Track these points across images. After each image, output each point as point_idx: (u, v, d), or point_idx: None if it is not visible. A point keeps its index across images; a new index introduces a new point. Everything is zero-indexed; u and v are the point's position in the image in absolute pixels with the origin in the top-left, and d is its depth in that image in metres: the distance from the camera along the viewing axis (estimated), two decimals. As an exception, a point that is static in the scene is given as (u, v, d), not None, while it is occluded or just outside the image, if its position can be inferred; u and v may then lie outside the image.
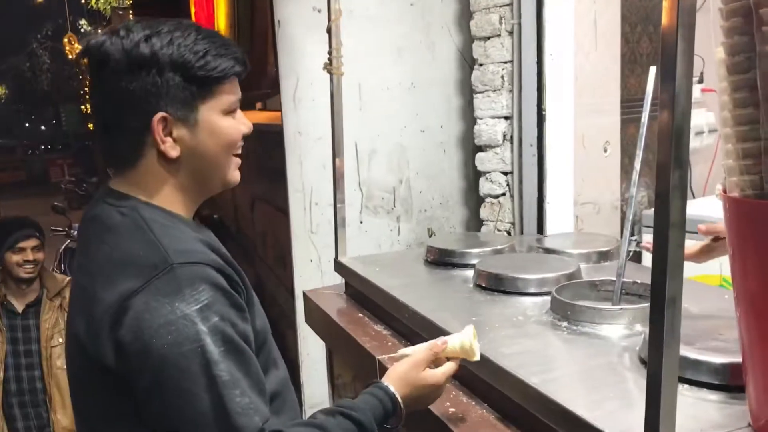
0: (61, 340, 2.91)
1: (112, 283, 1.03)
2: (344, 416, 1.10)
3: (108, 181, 1.18)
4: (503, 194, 2.75)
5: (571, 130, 2.61)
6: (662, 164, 0.86)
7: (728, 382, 1.15)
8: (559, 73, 2.55)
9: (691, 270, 1.73)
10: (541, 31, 2.50)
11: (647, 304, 1.49)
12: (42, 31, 25.55)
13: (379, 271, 2.05)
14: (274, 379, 1.19)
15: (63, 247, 5.53)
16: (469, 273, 1.94)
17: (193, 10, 3.90)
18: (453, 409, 1.40)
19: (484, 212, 2.82)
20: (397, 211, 2.95)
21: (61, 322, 2.93)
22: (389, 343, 1.76)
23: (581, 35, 2.60)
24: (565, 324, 1.53)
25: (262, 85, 3.43)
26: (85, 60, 1.11)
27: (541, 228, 2.61)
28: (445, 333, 1.40)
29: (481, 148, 2.79)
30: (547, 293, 1.67)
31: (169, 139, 1.10)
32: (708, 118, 3.32)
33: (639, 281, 1.65)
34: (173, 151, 1.10)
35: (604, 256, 2.08)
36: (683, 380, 1.17)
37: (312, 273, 2.85)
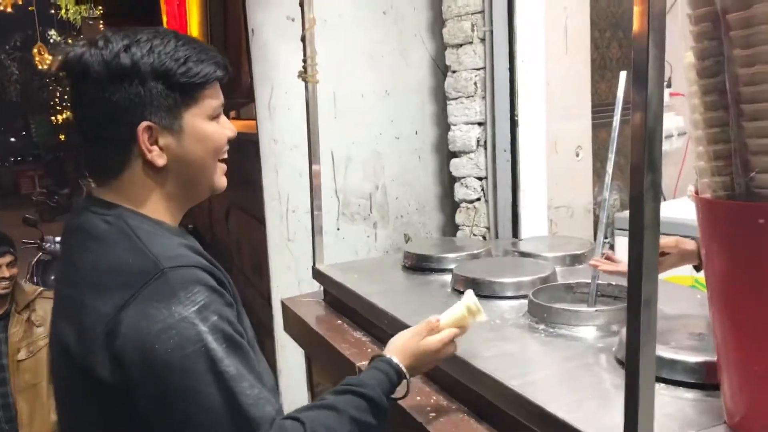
0: (27, 354, 2.86)
1: (103, 293, 1.02)
2: (354, 394, 1.13)
3: (85, 190, 1.17)
4: (478, 199, 2.76)
5: (544, 135, 2.64)
6: (636, 167, 0.88)
7: (703, 380, 1.18)
8: (531, 79, 2.58)
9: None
10: (512, 37, 2.53)
11: (622, 306, 1.53)
12: (11, 42, 25.16)
13: (358, 277, 2.06)
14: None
15: (35, 259, 5.44)
16: (447, 278, 1.95)
17: (165, 20, 3.87)
18: (433, 414, 1.41)
19: (460, 217, 2.83)
20: (373, 217, 2.96)
21: (28, 336, 2.88)
22: (368, 350, 1.76)
23: (552, 41, 2.63)
24: (542, 326, 1.55)
25: (236, 93, 3.42)
26: (64, 72, 1.10)
27: (516, 232, 2.63)
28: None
29: (455, 154, 2.81)
30: (524, 296, 1.69)
31: (155, 148, 1.09)
32: (677, 122, 3.38)
33: (613, 283, 1.67)
34: (160, 160, 1.10)
35: (578, 258, 2.10)
36: (659, 379, 1.19)
37: (289, 281, 2.84)
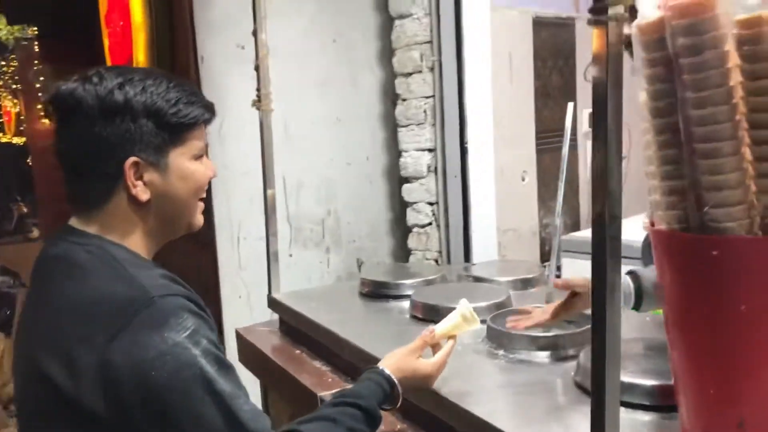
0: None
1: (90, 323, 1.02)
2: (351, 405, 1.17)
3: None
4: (430, 224, 2.81)
5: (492, 161, 2.72)
6: (596, 198, 0.93)
7: (661, 402, 1.23)
8: (479, 107, 2.66)
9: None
10: (461, 67, 2.61)
11: (578, 330, 1.58)
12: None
13: (315, 306, 2.06)
14: None
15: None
16: (404, 304, 1.98)
17: (106, 43, 3.79)
18: (399, 443, 1.42)
19: (412, 242, 2.87)
20: (326, 242, 2.96)
21: None
22: (329, 380, 1.77)
23: (498, 71, 2.72)
24: (501, 352, 1.59)
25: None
26: (53, 106, 1.12)
27: (467, 256, 2.69)
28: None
29: (407, 180, 2.85)
30: (482, 321, 1.72)
31: (139, 183, 1.11)
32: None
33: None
34: (144, 195, 1.12)
35: (529, 282, 2.17)
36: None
37: (240, 309, 2.81)
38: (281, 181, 2.82)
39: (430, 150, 2.76)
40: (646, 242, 1.83)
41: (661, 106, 1.00)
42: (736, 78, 0.93)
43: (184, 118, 1.13)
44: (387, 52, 2.92)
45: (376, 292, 2.12)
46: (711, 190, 0.96)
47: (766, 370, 1.01)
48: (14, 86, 7.51)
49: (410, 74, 2.77)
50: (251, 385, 2.62)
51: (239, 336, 2.23)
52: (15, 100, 7.81)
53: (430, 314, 1.82)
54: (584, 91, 3.14)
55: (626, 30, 0.93)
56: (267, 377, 2.11)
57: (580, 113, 2.96)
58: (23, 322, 1.18)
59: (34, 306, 1.15)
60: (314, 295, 2.27)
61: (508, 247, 2.86)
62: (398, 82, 2.82)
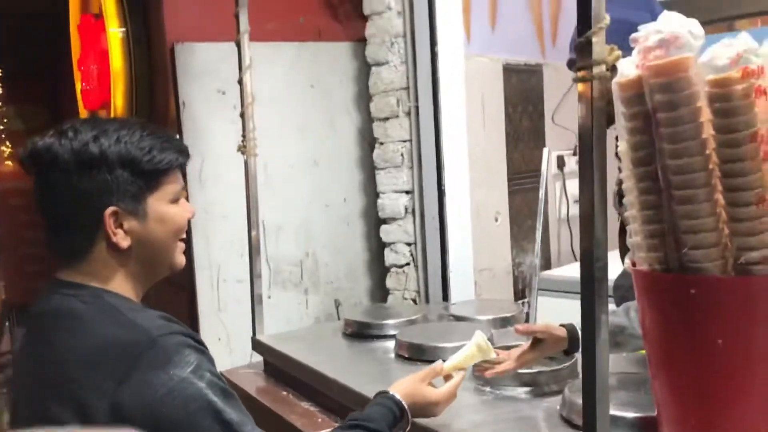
0: None
1: (98, 369, 1.06)
2: (363, 428, 1.23)
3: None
4: (407, 264, 2.87)
5: (468, 202, 2.80)
6: (585, 238, 1.01)
7: (644, 434, 1.29)
8: (455, 151, 2.75)
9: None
10: (437, 112, 2.70)
11: (560, 366, 1.64)
12: None
13: (301, 347, 2.09)
14: None
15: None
16: (388, 344, 2.02)
17: (78, 86, 3.79)
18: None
19: (390, 282, 2.92)
20: (304, 284, 3.00)
21: None
22: (319, 419, 1.79)
23: (471, 116, 2.82)
24: (488, 389, 1.65)
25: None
26: (31, 161, 1.15)
27: (446, 295, 2.75)
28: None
29: (384, 221, 2.92)
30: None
31: (119, 231, 1.15)
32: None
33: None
34: (124, 242, 1.15)
35: (508, 321, 2.23)
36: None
37: (221, 352, 2.81)
38: (261, 223, 2.85)
39: (407, 192, 2.84)
40: (619, 282, 1.92)
41: (641, 156, 1.09)
42: (708, 131, 1.02)
43: (158, 163, 1.17)
44: (364, 97, 3.01)
45: (360, 332, 2.16)
46: (688, 233, 1.04)
47: (743, 400, 1.08)
48: (-22, 128, 7.42)
49: (387, 119, 2.85)
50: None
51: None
52: (-21, 142, 7.71)
53: (416, 353, 1.87)
54: (552, 134, 3.28)
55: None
56: (255, 419, 2.11)
57: (549, 155, 3.07)
58: (21, 376, 1.19)
59: (36, 361, 1.15)
60: (298, 336, 2.30)
61: (483, 286, 2.93)
62: (375, 126, 2.91)
